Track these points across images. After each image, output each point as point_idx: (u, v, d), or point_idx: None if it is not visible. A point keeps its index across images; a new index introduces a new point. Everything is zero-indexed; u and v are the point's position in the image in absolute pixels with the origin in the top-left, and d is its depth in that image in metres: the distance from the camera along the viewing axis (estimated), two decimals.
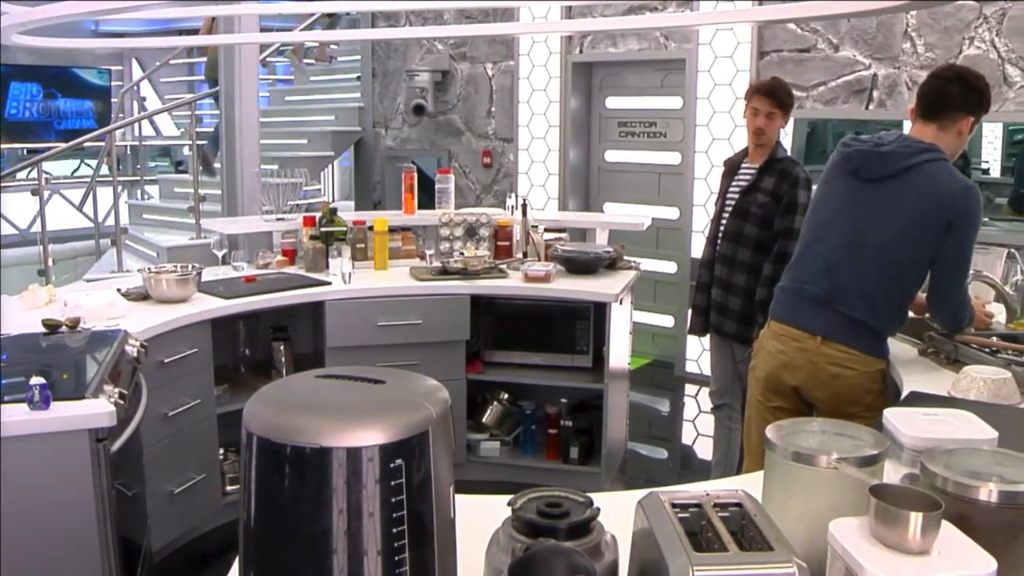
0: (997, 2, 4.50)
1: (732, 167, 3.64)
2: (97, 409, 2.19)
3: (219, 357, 3.56)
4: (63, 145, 7.03)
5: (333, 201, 8.15)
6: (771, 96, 3.46)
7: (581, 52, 6.29)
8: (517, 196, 4.78)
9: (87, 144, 7.53)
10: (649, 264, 5.60)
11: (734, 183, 3.59)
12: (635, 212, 5.98)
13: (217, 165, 7.61)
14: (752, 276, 3.45)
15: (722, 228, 3.58)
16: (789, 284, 2.69)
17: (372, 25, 7.35)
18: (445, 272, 4.04)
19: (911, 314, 2.64)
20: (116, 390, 2.31)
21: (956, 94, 2.48)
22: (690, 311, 3.85)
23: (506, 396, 4.21)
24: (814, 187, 3.14)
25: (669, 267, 6.07)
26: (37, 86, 9.88)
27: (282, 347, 3.93)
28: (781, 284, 2.74)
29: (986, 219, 4.95)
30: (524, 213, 4.38)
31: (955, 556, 1.06)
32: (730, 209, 3.56)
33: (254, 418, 1.06)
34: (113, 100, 9.98)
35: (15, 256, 7.38)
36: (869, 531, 1.10)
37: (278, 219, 4.48)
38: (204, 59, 8.00)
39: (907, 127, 2.65)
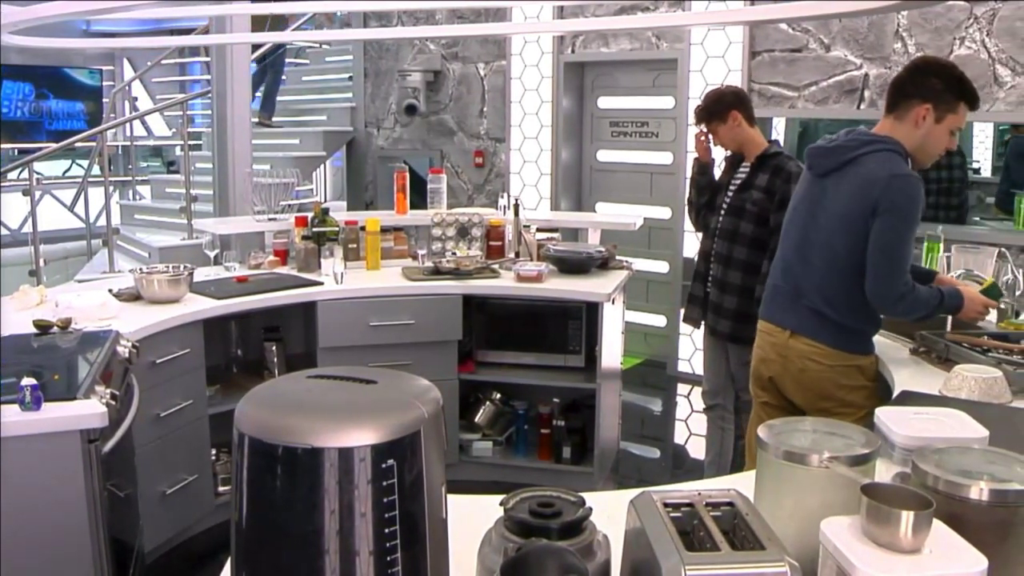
0: (988, 2, 4.52)
1: (734, 161, 3.62)
2: (88, 410, 2.19)
3: (211, 357, 3.55)
4: (54, 145, 7.01)
5: (325, 201, 8.13)
6: (699, 120, 3.57)
7: (573, 52, 6.29)
8: (509, 196, 4.78)
9: (78, 144, 7.52)
10: (641, 264, 5.60)
11: (732, 180, 3.58)
12: (627, 212, 5.99)
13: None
14: (747, 274, 3.43)
15: (718, 226, 3.57)
16: (769, 282, 2.78)
17: (364, 25, 7.34)
18: (437, 272, 4.04)
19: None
20: (108, 391, 2.30)
21: (909, 82, 2.45)
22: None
23: (498, 396, 4.21)
24: None
25: (661, 267, 6.07)
26: (29, 86, 9.87)
27: (274, 347, 3.93)
28: (767, 282, 2.80)
29: (976, 218, 4.99)
30: (516, 213, 4.38)
31: (946, 555, 1.07)
32: (726, 207, 3.55)
33: (246, 418, 1.06)
34: (104, 100, 9.96)
35: (6, 257, 7.35)
36: (861, 530, 1.10)
37: (270, 219, 4.47)
38: (197, 59, 7.93)
39: None
